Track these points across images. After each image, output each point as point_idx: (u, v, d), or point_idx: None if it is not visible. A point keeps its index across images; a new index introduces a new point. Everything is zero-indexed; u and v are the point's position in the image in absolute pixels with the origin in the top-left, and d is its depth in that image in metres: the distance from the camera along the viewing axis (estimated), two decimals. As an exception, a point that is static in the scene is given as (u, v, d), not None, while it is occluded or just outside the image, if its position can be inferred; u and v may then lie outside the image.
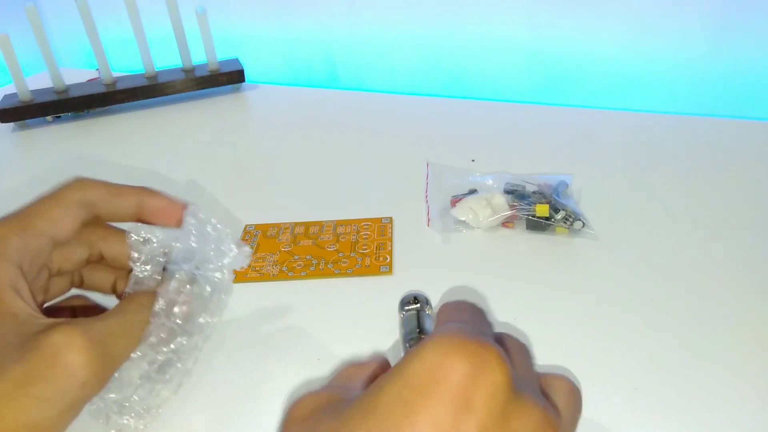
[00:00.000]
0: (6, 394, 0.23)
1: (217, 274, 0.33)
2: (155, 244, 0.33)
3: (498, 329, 0.42)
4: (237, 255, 0.34)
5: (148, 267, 0.33)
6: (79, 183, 0.31)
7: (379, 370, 0.29)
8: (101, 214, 0.32)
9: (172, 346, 0.31)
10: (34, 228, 0.29)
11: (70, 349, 0.25)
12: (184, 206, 0.33)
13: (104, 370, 0.26)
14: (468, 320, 0.27)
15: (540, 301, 0.43)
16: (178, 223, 0.33)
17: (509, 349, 0.27)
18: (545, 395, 0.24)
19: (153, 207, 0.33)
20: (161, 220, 0.33)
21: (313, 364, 0.38)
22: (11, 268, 0.27)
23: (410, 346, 0.37)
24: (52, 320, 0.27)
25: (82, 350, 0.25)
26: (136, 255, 0.33)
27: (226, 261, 0.33)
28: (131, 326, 0.29)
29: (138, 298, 0.31)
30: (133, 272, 0.33)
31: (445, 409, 0.19)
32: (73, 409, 0.25)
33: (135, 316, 0.30)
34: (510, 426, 0.20)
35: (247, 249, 0.34)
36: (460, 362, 0.19)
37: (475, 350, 0.20)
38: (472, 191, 0.54)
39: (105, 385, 0.27)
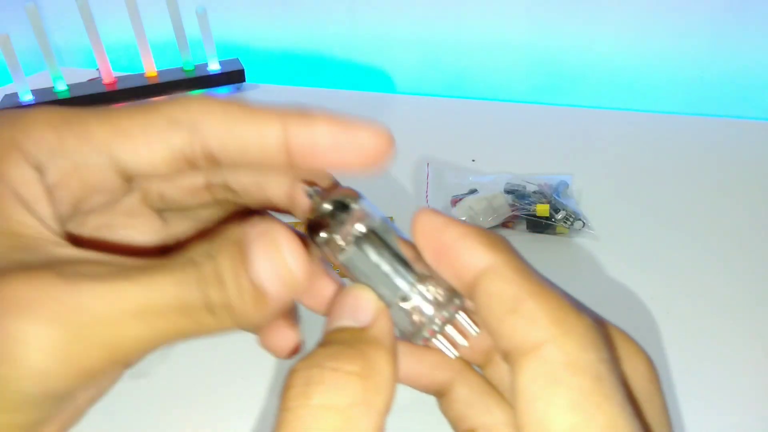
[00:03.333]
0: None
1: None
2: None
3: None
4: None
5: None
6: (184, 99, 0.19)
7: None
8: (213, 147, 0.19)
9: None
10: (85, 131, 0.18)
11: (21, 314, 0.15)
12: (385, 136, 0.19)
13: (83, 360, 0.15)
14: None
15: (540, 301, 0.43)
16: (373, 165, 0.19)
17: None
18: None
19: (315, 139, 0.18)
20: (336, 162, 0.19)
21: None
22: (25, 169, 0.18)
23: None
24: (64, 251, 0.17)
25: (44, 321, 0.15)
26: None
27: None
28: (167, 297, 0.16)
29: (224, 243, 0.17)
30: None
31: None
32: (22, 401, 0.15)
33: (190, 276, 0.16)
34: None
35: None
36: None
37: None
38: (472, 191, 0.54)
39: (90, 382, 0.16)
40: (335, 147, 0.18)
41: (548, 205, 0.49)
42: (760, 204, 0.54)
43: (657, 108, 0.78)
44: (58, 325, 0.15)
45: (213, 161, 0.19)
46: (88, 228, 0.20)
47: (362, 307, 0.17)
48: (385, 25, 0.88)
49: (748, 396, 0.35)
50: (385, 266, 0.17)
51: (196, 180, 0.21)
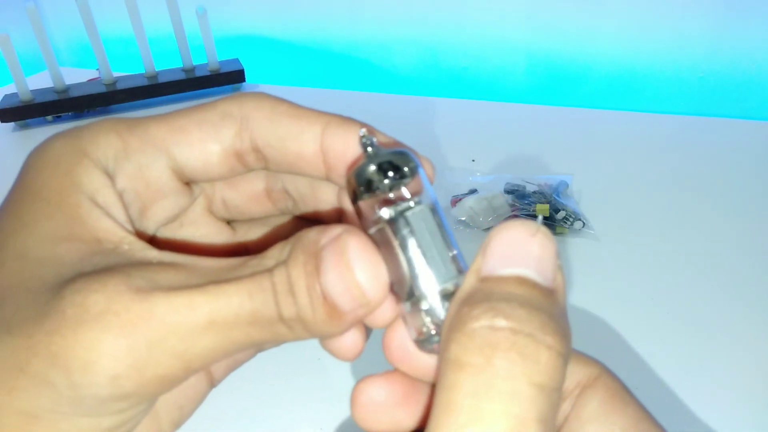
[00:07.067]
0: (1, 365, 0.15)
1: None
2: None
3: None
4: None
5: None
6: (240, 94, 0.20)
7: None
8: (259, 142, 0.19)
9: None
10: (146, 133, 0.19)
11: (94, 324, 0.15)
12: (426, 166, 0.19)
13: (156, 367, 0.15)
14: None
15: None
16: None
17: None
18: None
19: (348, 149, 0.18)
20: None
21: (313, 363, 0.38)
22: (97, 175, 0.18)
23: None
24: (143, 253, 0.17)
25: (116, 330, 0.15)
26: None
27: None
28: (244, 308, 0.15)
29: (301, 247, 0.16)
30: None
31: None
32: (100, 406, 0.16)
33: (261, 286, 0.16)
34: None
35: None
36: None
37: None
38: (472, 191, 0.54)
39: (165, 389, 0.16)
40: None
41: (548, 205, 0.49)
42: (760, 204, 0.54)
43: (657, 108, 0.78)
44: (130, 334, 0.15)
45: (261, 158, 0.19)
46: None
47: (548, 259, 0.14)
48: (385, 25, 0.89)
49: (748, 396, 0.35)
50: (434, 250, 0.15)
51: (256, 185, 0.21)
